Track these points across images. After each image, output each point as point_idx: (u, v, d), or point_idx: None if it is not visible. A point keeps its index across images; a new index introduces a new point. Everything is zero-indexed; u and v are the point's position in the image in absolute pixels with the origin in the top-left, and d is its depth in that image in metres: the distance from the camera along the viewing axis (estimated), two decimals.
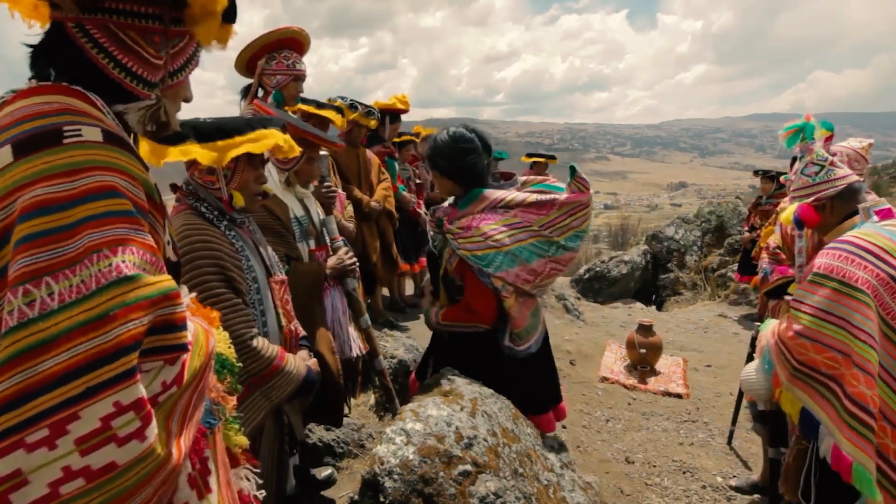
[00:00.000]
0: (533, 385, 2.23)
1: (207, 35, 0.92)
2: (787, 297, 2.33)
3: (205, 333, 0.91)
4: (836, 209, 1.79)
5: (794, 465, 1.82)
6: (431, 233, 2.26)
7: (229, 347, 1.13)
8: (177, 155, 1.46)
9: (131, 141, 0.89)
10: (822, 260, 1.67)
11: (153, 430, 0.69)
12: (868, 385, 1.55)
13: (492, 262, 1.99)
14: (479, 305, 2.05)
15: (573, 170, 2.11)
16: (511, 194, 2.10)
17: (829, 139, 2.25)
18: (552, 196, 2.09)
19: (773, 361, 1.78)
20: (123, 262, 0.69)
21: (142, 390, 0.69)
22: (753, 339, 2.61)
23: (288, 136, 1.69)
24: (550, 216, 2.06)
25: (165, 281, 0.75)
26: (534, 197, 2.09)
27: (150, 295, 0.71)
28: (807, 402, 1.67)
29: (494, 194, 2.09)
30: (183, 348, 0.78)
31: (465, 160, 2.08)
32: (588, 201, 2.11)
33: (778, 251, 2.69)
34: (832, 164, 1.80)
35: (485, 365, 2.16)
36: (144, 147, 1.45)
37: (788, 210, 1.86)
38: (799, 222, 1.83)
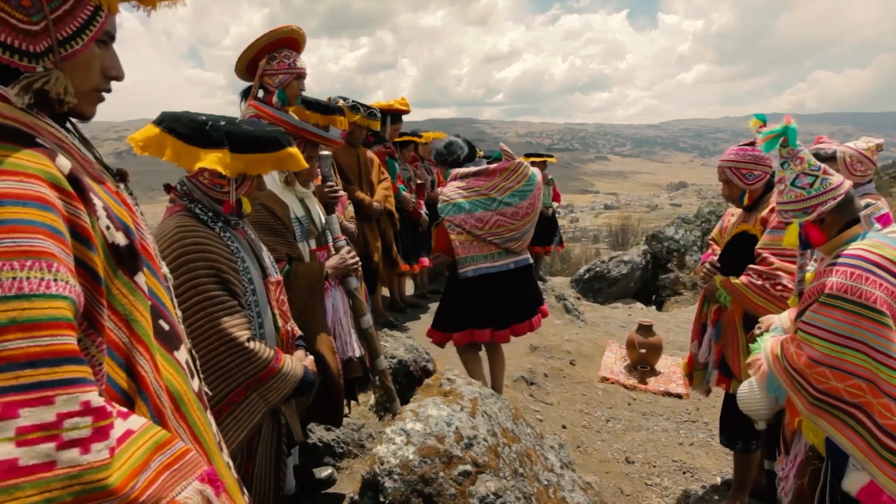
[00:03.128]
0: (482, 303, 3.09)
1: None
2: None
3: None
4: (834, 221, 1.65)
5: (809, 486, 1.73)
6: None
7: None
8: (212, 162, 1.43)
9: (48, 122, 0.83)
10: (834, 279, 1.53)
11: (106, 447, 0.64)
12: None
13: (443, 210, 3.06)
14: (437, 238, 3.17)
15: (501, 150, 3.15)
16: (465, 170, 3.13)
17: (762, 127, 2.30)
18: (487, 167, 3.07)
19: (786, 389, 1.68)
20: None
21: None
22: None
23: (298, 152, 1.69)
24: (492, 181, 3.04)
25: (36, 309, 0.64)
26: (475, 169, 3.10)
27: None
28: (831, 433, 1.56)
29: (457, 171, 3.16)
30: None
31: (450, 154, 3.25)
32: (515, 166, 3.05)
33: (712, 241, 2.83)
34: (825, 171, 1.65)
35: (452, 282, 3.17)
36: (174, 148, 1.41)
37: (791, 232, 1.75)
38: (807, 244, 1.71)
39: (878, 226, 1.62)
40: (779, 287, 2.25)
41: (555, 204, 7.25)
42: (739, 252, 2.47)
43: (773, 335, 1.86)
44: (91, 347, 0.76)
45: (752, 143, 2.42)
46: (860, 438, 1.50)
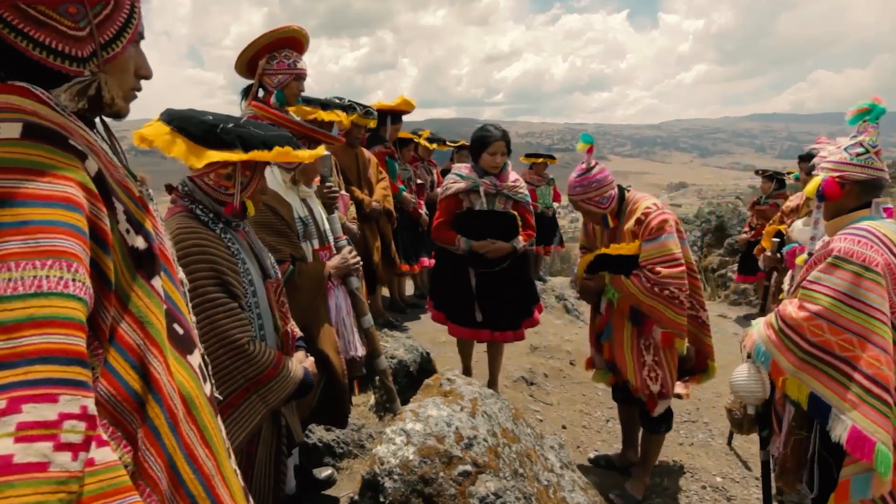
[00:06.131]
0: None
1: None
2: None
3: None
4: (854, 195, 1.81)
5: (792, 456, 1.86)
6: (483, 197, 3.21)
7: None
8: (224, 158, 1.46)
9: (80, 125, 0.84)
10: (841, 244, 1.73)
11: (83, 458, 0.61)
12: (889, 365, 1.61)
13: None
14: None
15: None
16: None
17: (589, 151, 2.53)
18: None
19: (772, 351, 1.84)
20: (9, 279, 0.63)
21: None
22: None
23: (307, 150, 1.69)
24: None
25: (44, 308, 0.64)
26: None
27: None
28: (815, 386, 1.71)
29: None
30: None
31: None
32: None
33: (584, 249, 2.88)
34: (877, 152, 1.82)
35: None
36: (184, 148, 1.42)
37: (814, 181, 1.88)
38: (821, 195, 1.86)
39: (883, 215, 1.82)
40: (666, 292, 2.39)
41: (555, 204, 7.25)
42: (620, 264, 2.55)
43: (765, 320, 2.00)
44: (88, 351, 0.75)
45: (588, 169, 2.50)
46: (842, 388, 1.66)
